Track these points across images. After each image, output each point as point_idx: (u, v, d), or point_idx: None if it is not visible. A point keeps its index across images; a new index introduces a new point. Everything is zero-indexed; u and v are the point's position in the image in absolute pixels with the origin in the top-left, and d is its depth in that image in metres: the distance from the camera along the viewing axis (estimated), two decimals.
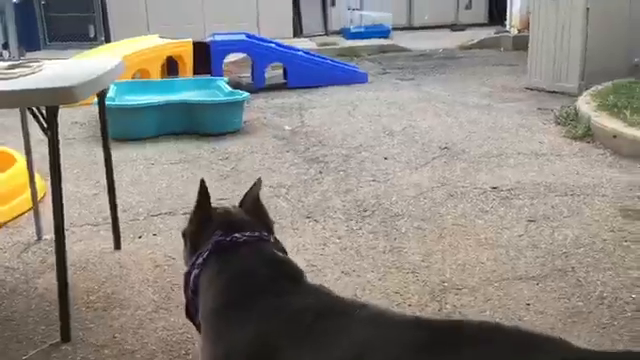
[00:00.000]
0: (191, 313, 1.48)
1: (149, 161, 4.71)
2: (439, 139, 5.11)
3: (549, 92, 6.85)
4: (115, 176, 3.24)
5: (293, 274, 1.41)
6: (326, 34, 11.50)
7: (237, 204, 1.60)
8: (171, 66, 7.63)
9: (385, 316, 1.27)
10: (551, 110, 6.01)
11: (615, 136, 4.64)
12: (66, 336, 2.40)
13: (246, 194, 1.58)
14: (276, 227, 3.50)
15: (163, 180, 4.27)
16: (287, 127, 5.70)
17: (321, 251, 3.15)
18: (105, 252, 3.18)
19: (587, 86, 6.33)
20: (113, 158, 3.21)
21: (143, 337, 2.44)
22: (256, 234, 1.45)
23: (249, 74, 8.02)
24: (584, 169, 4.26)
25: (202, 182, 1.49)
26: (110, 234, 3.31)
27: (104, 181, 4.15)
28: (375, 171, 4.36)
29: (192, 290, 1.44)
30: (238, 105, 5.55)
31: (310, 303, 1.30)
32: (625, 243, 3.08)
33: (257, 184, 1.59)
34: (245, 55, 8.24)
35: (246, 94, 5.66)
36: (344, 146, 5.01)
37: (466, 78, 8.06)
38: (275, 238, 1.51)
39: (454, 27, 11.90)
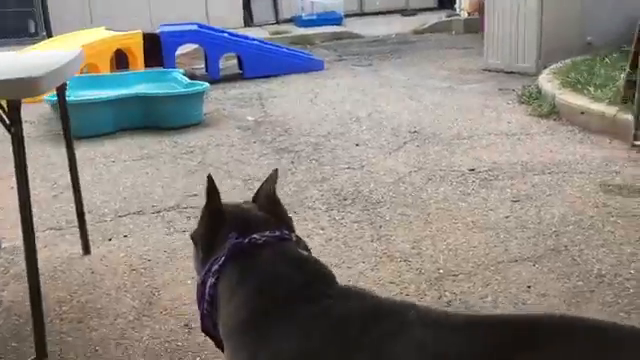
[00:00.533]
0: (208, 328, 1.30)
1: (109, 159, 4.46)
2: (407, 123, 5.02)
3: (507, 73, 6.88)
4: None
5: (326, 276, 1.24)
6: (277, 23, 11.29)
7: (250, 200, 1.43)
8: (120, 59, 7.31)
9: (441, 317, 1.11)
10: (512, 90, 6.02)
11: (583, 112, 4.65)
12: (42, 352, 2.18)
13: (260, 188, 1.41)
14: None
15: (127, 178, 4.03)
16: (250, 118, 5.51)
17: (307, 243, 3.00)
18: (73, 258, 2.95)
19: (545, 65, 6.38)
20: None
21: (128, 348, 2.24)
22: (276, 233, 1.27)
23: (202, 65, 7.78)
24: (556, 147, 4.25)
25: (210, 178, 1.31)
26: (76, 238, 3.08)
27: (62, 182, 3.92)
28: (348, 158, 4.23)
29: (208, 302, 1.26)
30: (198, 97, 5.33)
31: (354, 307, 1.13)
32: (612, 219, 3.05)
33: (272, 176, 1.41)
34: (197, 46, 7.98)
35: (206, 85, 5.45)
36: (312, 134, 4.86)
37: (422, 62, 8.02)
38: (297, 236, 1.33)
39: (405, 12, 11.88)
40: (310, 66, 7.79)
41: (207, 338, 2.26)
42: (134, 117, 5.09)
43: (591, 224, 3.01)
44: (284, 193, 3.65)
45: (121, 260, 2.92)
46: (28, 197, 2.10)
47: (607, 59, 5.79)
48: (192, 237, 1.40)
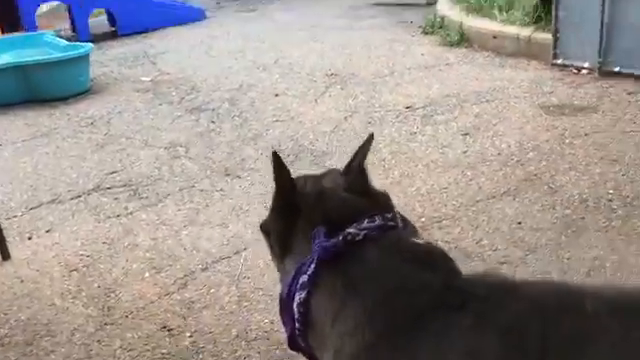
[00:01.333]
0: (300, 346, 1.00)
1: None
2: (320, 66, 4.74)
3: (398, 5, 6.75)
4: None
5: (455, 267, 0.95)
6: None
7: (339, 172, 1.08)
8: None
9: (622, 299, 0.86)
10: (411, 22, 5.92)
11: (495, 37, 4.61)
12: None
13: (350, 160, 1.06)
14: (195, 191, 2.98)
15: (24, 162, 3.45)
16: (145, 78, 4.96)
17: (263, 210, 2.69)
18: None
19: None
20: None
21: None
22: (377, 221, 0.95)
23: (68, 25, 6.94)
24: (480, 74, 4.18)
25: (275, 155, 0.98)
26: None
27: None
28: (273, 110, 3.91)
29: (300, 321, 0.96)
30: (84, 60, 4.69)
31: (515, 308, 0.85)
32: (567, 140, 3.02)
33: (365, 144, 1.07)
34: (59, 3, 7.11)
35: (89, 45, 4.80)
36: (222, 89, 4.45)
37: (308, 2, 7.70)
38: (403, 217, 1.02)
39: None
40: (191, 16, 7.22)
41: (196, 339, 1.96)
42: (9, 91, 4.39)
43: (550, 148, 2.95)
44: (218, 157, 3.29)
45: (53, 261, 2.46)
46: None
47: None
48: (262, 227, 1.07)
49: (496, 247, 2.25)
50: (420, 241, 0.98)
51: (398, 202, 2.57)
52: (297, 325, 0.96)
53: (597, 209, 2.41)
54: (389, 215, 0.98)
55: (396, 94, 3.96)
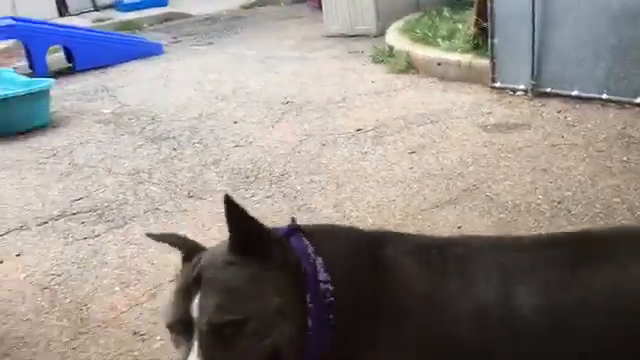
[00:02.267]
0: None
1: None
2: (276, 95, 4.98)
3: (350, 36, 7.06)
4: None
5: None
6: (96, 9, 10.53)
7: None
8: None
9: (502, 241, 1.21)
10: (362, 52, 6.21)
11: (440, 64, 4.93)
12: None
13: None
14: (160, 213, 3.13)
15: None
16: (106, 110, 5.11)
17: (225, 228, 2.87)
18: None
19: (383, 26, 6.66)
20: None
21: None
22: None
23: (25, 62, 7.04)
24: (425, 98, 4.47)
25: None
26: None
27: None
28: (232, 136, 4.10)
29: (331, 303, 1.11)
30: (44, 95, 4.82)
31: (421, 242, 1.21)
32: (503, 154, 3.30)
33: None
34: (14, 41, 7.22)
35: (50, 80, 4.95)
36: (182, 118, 4.64)
37: (263, 35, 7.98)
38: None
39: None
40: (148, 51, 7.40)
41: (165, 342, 2.11)
42: None
43: (487, 162, 3.22)
44: (180, 181, 3.46)
45: (24, 282, 2.58)
46: None
47: (441, 14, 6.17)
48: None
49: None
50: None
51: (351, 214, 2.80)
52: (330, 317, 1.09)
53: (528, 212, 2.67)
54: None
55: (347, 118, 4.21)
